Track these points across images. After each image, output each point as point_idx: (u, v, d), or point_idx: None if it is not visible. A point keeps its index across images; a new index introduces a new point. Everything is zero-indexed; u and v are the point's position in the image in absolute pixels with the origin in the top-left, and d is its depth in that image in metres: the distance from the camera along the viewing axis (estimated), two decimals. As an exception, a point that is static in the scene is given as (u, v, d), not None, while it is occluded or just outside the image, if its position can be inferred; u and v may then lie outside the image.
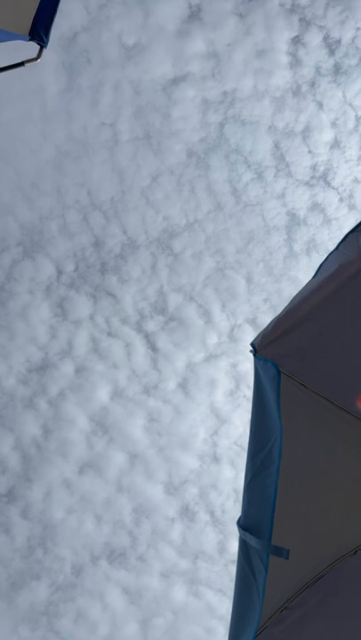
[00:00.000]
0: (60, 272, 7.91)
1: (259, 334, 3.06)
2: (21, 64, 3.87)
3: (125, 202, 7.83)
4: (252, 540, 3.01)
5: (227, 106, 7.62)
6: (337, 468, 3.23)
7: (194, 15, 7.37)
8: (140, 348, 8.04)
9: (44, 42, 3.76)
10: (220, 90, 7.58)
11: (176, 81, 7.53)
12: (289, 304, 3.00)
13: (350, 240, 2.81)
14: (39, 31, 3.71)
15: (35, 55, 3.83)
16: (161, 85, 7.55)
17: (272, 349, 3.05)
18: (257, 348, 3.03)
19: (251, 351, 3.07)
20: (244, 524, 3.11)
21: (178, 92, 7.56)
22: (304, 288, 3.03)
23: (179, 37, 7.39)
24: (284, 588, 3.08)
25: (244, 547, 3.10)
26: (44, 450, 8.05)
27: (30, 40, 3.75)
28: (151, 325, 8.02)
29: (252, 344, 3.03)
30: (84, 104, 7.56)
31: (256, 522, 3.03)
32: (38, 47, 3.81)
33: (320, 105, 7.58)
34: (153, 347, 8.05)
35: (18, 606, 8.09)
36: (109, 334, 8.01)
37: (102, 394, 8.04)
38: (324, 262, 2.92)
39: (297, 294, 3.03)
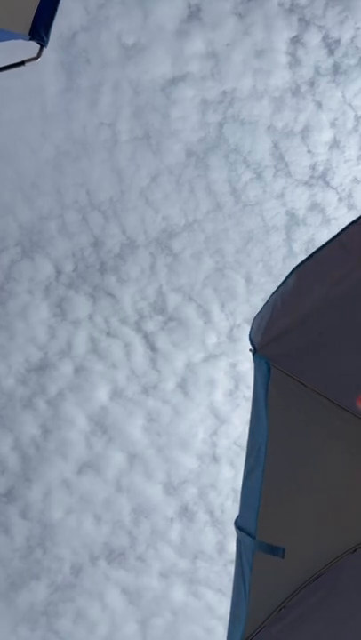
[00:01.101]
0: (59, 272, 7.92)
1: (257, 329, 3.05)
2: (22, 63, 3.87)
3: (124, 202, 7.83)
4: (243, 538, 3.04)
5: (226, 106, 7.63)
6: (337, 467, 3.23)
7: (193, 15, 7.37)
8: (140, 348, 8.04)
9: (44, 41, 3.76)
10: (220, 90, 7.58)
11: (175, 81, 7.54)
12: (286, 300, 2.99)
13: (353, 231, 2.79)
14: (39, 30, 3.70)
15: (35, 54, 3.83)
16: (160, 85, 7.55)
17: (271, 348, 3.06)
18: (256, 347, 3.03)
19: (250, 350, 3.07)
20: (239, 524, 3.13)
21: (177, 92, 7.56)
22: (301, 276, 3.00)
23: (178, 37, 7.40)
24: (282, 586, 3.09)
25: (238, 546, 3.13)
26: (43, 450, 8.05)
27: (31, 39, 3.75)
28: (150, 325, 8.02)
29: (252, 342, 3.03)
30: (84, 104, 7.56)
31: (247, 521, 3.06)
32: (38, 46, 3.81)
33: (319, 105, 7.59)
34: (152, 347, 8.05)
35: (17, 606, 8.09)
36: (108, 334, 8.01)
37: (101, 394, 8.04)
38: (323, 247, 2.88)
39: (296, 286, 3.01)
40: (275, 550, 2.86)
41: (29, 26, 3.66)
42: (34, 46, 3.76)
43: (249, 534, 2.95)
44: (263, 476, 2.92)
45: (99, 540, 8.17)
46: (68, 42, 7.25)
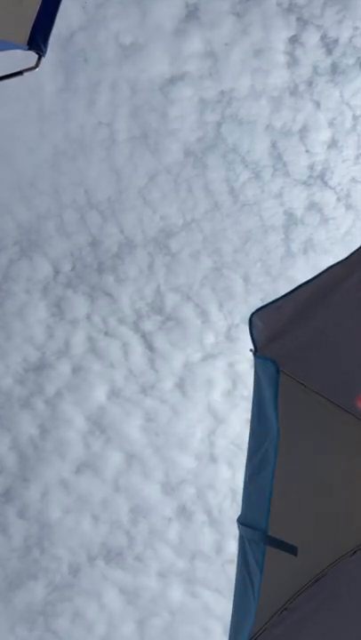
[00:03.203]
0: (57, 271, 7.91)
1: (258, 332, 3.05)
2: (20, 73, 3.87)
3: (122, 201, 7.82)
4: (248, 533, 3.01)
5: (224, 105, 7.62)
6: (337, 469, 3.23)
7: (191, 14, 7.37)
8: (138, 348, 8.04)
9: (42, 51, 3.76)
10: (218, 89, 7.58)
11: (173, 80, 7.53)
12: (287, 300, 3.01)
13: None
14: (38, 40, 3.70)
15: (33, 64, 3.84)
16: (158, 85, 7.55)
17: (272, 348, 3.06)
18: (257, 347, 3.03)
19: (250, 350, 3.07)
20: (244, 521, 3.12)
21: (175, 92, 7.56)
22: (302, 287, 3.03)
23: (176, 37, 7.39)
24: (284, 588, 3.08)
25: (242, 547, 3.11)
26: (40, 450, 8.04)
27: (29, 49, 3.74)
28: (148, 325, 8.01)
29: (254, 342, 3.03)
30: (82, 103, 7.55)
31: (253, 523, 3.04)
32: (37, 56, 3.81)
33: (317, 104, 7.59)
34: (150, 346, 8.04)
35: (15, 606, 8.08)
36: (106, 334, 8.00)
37: (99, 393, 8.03)
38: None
39: (296, 292, 3.03)
40: (287, 546, 2.84)
41: (27, 36, 3.65)
42: (32, 55, 3.76)
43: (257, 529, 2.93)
44: (273, 477, 2.90)
45: (96, 540, 8.17)
46: (65, 41, 7.24)
